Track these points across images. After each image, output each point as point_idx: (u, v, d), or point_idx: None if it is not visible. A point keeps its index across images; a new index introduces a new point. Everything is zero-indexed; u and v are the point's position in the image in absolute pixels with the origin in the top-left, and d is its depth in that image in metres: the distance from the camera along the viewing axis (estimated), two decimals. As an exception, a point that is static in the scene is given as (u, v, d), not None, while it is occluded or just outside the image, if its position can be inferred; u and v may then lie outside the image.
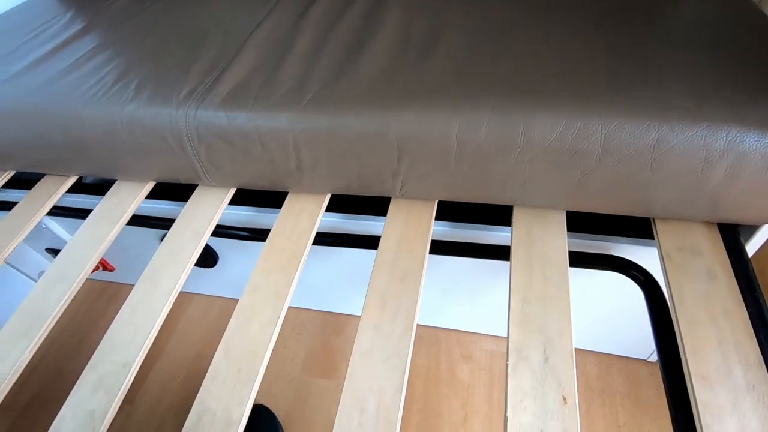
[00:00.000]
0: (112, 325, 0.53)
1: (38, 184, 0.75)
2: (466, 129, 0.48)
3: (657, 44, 0.51)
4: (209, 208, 0.64)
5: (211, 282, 1.07)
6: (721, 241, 0.48)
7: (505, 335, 0.90)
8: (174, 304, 1.11)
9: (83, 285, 0.92)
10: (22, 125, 0.66)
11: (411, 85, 0.52)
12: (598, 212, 0.52)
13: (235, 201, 0.77)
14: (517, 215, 0.55)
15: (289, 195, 0.63)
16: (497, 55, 0.54)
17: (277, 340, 0.46)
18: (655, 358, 0.80)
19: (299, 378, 0.92)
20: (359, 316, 0.99)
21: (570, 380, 0.41)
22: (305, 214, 0.60)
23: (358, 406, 0.42)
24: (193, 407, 0.44)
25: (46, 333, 0.55)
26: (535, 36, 0.56)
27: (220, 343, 0.49)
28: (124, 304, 0.54)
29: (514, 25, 0.58)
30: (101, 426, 0.45)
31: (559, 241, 0.51)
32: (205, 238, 0.61)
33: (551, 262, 0.49)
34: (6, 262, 1.10)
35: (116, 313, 0.54)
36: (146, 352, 0.51)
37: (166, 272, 0.57)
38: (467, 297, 0.83)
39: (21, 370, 0.52)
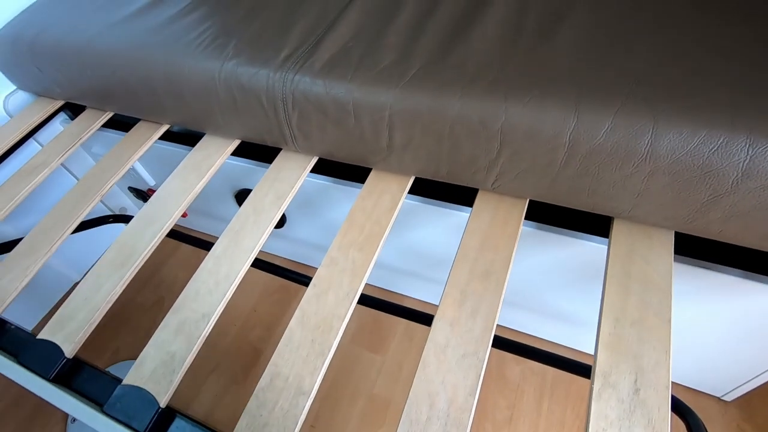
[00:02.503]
0: (195, 274, 0.55)
1: (134, 128, 0.79)
2: (584, 129, 0.44)
3: (829, 55, 0.43)
4: (292, 173, 0.64)
5: (275, 241, 1.10)
6: None
7: (566, 344, 0.87)
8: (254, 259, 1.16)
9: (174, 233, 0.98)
10: (129, 68, 0.69)
11: (525, 71, 0.48)
12: (717, 240, 0.46)
13: (315, 169, 0.78)
14: (617, 228, 0.50)
15: (372, 172, 0.62)
16: (631, 44, 0.48)
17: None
18: (731, 397, 0.74)
19: (347, 347, 0.94)
20: (414, 299, 0.99)
21: (663, 419, 0.38)
22: (387, 195, 0.59)
23: (428, 399, 0.42)
24: (267, 368, 0.46)
25: (138, 268, 0.59)
26: (682, 21, 0.49)
27: (297, 310, 0.50)
28: (208, 255, 0.57)
29: (655, 5, 0.51)
30: (180, 368, 0.48)
31: (665, 263, 0.47)
32: (287, 203, 0.62)
33: (653, 285, 0.45)
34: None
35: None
36: (224, 306, 0.53)
37: (248, 232, 0.59)
38: (534, 299, 0.80)
39: (113, 301, 0.56)
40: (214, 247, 0.57)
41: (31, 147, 0.92)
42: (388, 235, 0.55)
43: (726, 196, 0.41)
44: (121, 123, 0.91)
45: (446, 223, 0.71)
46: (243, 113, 0.63)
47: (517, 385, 0.82)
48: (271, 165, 0.66)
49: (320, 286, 0.51)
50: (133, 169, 1.03)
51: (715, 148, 0.40)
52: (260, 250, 1.18)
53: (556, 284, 0.72)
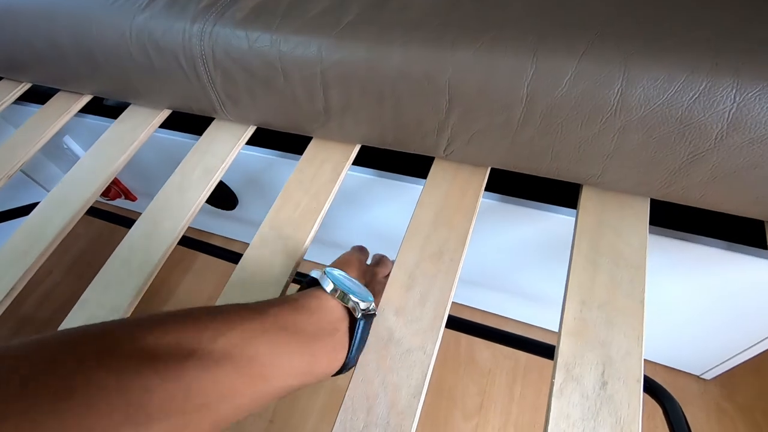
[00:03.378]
0: (105, 264, 0.47)
1: (52, 99, 0.69)
2: (543, 79, 0.37)
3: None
4: (224, 145, 0.56)
5: (231, 224, 1.03)
6: None
7: (539, 325, 0.82)
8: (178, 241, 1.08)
9: (105, 211, 0.89)
10: (31, 28, 0.59)
11: (476, 14, 0.40)
12: (698, 207, 0.40)
13: (258, 142, 0.70)
14: (586, 197, 0.44)
15: (312, 141, 0.55)
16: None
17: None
18: (711, 375, 0.70)
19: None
20: None
21: (634, 416, 0.32)
22: (328, 165, 0.51)
23: (365, 403, 0.35)
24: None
25: (45, 257, 0.51)
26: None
27: (219, 298, 0.43)
28: (120, 245, 0.49)
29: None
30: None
31: (639, 235, 0.41)
32: (217, 177, 0.54)
33: (625, 261, 0.39)
34: (33, 181, 1.09)
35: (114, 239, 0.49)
36: (138, 300, 0.45)
37: (170, 212, 0.51)
38: (503, 277, 0.74)
39: (14, 296, 0.49)
40: (127, 235, 0.49)
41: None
42: (327, 209, 0.48)
43: (709, 154, 0.35)
44: (43, 95, 0.81)
45: (404, 198, 0.65)
46: (163, 78, 0.55)
47: (488, 370, 0.77)
48: (202, 136, 0.58)
49: (248, 270, 0.44)
50: (67, 147, 0.94)
51: (696, 95, 0.33)
52: (218, 235, 1.10)
53: (523, 261, 0.66)
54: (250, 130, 0.58)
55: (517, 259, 0.67)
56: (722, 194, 0.38)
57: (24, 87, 0.73)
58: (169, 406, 0.22)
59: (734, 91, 0.32)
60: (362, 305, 0.35)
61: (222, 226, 1.06)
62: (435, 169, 0.49)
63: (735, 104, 0.32)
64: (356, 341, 0.35)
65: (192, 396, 0.23)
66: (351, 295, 0.35)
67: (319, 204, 0.48)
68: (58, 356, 0.21)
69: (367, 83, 0.43)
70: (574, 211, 0.44)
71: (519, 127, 0.40)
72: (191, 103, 0.57)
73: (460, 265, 0.42)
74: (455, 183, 0.47)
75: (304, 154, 0.53)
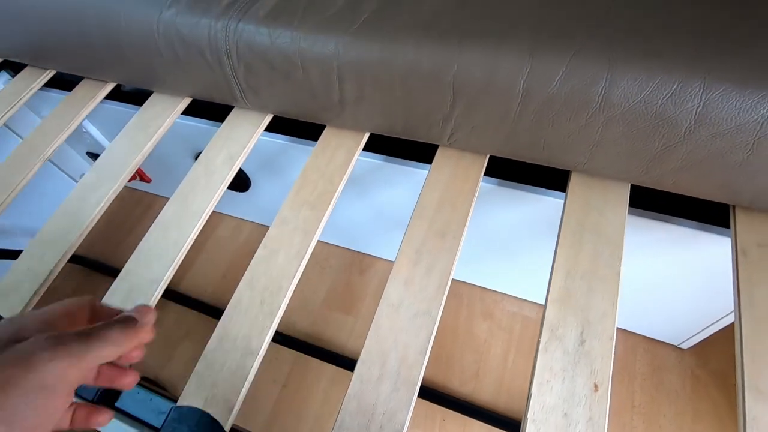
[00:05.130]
0: (142, 241, 0.53)
1: (77, 86, 0.74)
2: (538, 76, 0.41)
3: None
4: (245, 132, 0.61)
5: (243, 205, 1.08)
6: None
7: (532, 300, 0.88)
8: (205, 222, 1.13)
9: (121, 192, 0.94)
10: (62, 21, 0.63)
11: (481, 16, 0.45)
12: (671, 191, 0.46)
13: (271, 128, 0.74)
14: (574, 182, 0.49)
15: (326, 128, 0.59)
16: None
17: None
18: (687, 345, 0.77)
19: (318, 310, 0.94)
20: (384, 260, 0.99)
21: (605, 367, 0.38)
22: (342, 150, 0.56)
23: (380, 358, 0.41)
24: (215, 331, 0.45)
25: (83, 237, 0.56)
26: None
27: (246, 272, 0.49)
28: (155, 222, 0.54)
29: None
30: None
31: (619, 216, 0.46)
32: (239, 163, 0.59)
33: (606, 237, 0.45)
34: (50, 162, 1.13)
35: (150, 223, 0.54)
36: (174, 272, 0.51)
37: (198, 195, 0.56)
38: (499, 255, 0.80)
39: (57, 271, 0.54)
40: (161, 213, 0.55)
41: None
42: (341, 191, 0.53)
43: (679, 146, 0.40)
44: (67, 82, 0.85)
45: (410, 182, 0.70)
46: (188, 69, 0.59)
47: (484, 341, 0.84)
48: (223, 123, 0.63)
49: (270, 247, 0.50)
50: (86, 131, 0.98)
51: (669, 94, 0.38)
52: (230, 215, 1.16)
53: (517, 240, 0.71)
54: (268, 118, 0.63)
55: (511, 238, 0.73)
56: (691, 180, 0.43)
57: (49, 74, 0.77)
58: None
59: (701, 91, 0.37)
60: None
61: (234, 207, 1.11)
62: (439, 156, 0.54)
63: (701, 102, 0.37)
64: None
65: None
66: None
67: (333, 186, 0.53)
68: None
69: (379, 78, 0.48)
70: (563, 194, 0.49)
71: (515, 120, 0.45)
72: (213, 93, 0.62)
73: (462, 241, 0.47)
74: (458, 168, 0.53)
75: (318, 141, 0.58)
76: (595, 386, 0.37)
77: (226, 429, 0.40)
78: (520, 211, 0.64)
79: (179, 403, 0.42)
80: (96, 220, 0.57)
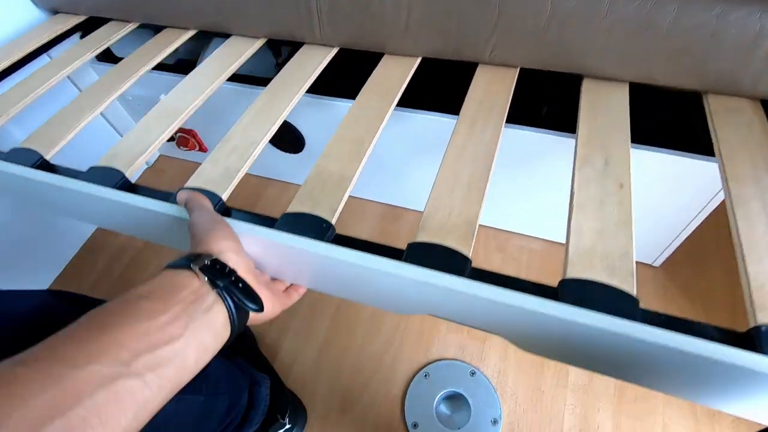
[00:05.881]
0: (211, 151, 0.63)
1: (160, 33, 0.86)
2: (561, -8, 0.59)
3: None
4: (313, 61, 0.74)
5: (293, 170, 1.17)
6: (761, 107, 0.58)
7: (537, 236, 1.00)
8: (253, 185, 1.22)
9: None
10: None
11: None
12: (656, 84, 0.62)
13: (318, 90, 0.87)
14: (586, 85, 0.65)
15: (384, 57, 0.74)
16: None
17: (337, 220, 0.51)
18: (659, 262, 0.90)
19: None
20: (416, 211, 1.09)
21: (626, 175, 0.51)
22: (398, 71, 0.71)
23: (452, 179, 0.53)
24: (315, 167, 0.55)
25: (182, 122, 0.66)
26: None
27: (336, 131, 0.60)
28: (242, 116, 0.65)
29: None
30: (235, 176, 0.56)
31: (623, 105, 0.61)
32: (312, 78, 0.72)
33: (614, 109, 0.60)
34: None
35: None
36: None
37: (283, 95, 0.68)
38: (512, 198, 0.93)
39: (161, 144, 0.63)
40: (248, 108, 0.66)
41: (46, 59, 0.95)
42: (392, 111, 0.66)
43: (662, 42, 0.57)
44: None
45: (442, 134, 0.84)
46: (274, 3, 0.73)
47: (498, 268, 0.94)
48: (293, 57, 0.76)
49: (354, 113, 0.62)
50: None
51: (652, 3, 0.56)
52: (277, 180, 1.21)
53: (520, 178, 0.86)
54: (334, 51, 0.77)
55: (526, 181, 0.87)
56: (671, 68, 0.60)
57: (131, 27, 0.90)
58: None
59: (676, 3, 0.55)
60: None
61: (283, 171, 1.21)
62: (480, 71, 0.69)
63: (674, 8, 0.55)
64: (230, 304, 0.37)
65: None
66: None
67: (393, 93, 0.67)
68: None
69: (439, 1, 0.64)
70: (574, 135, 0.63)
71: (542, 32, 0.62)
72: (293, 28, 0.76)
73: (505, 115, 0.61)
74: (496, 76, 0.68)
75: (376, 68, 0.72)
76: (621, 185, 0.50)
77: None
78: (534, 154, 0.79)
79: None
80: (194, 110, 0.67)
